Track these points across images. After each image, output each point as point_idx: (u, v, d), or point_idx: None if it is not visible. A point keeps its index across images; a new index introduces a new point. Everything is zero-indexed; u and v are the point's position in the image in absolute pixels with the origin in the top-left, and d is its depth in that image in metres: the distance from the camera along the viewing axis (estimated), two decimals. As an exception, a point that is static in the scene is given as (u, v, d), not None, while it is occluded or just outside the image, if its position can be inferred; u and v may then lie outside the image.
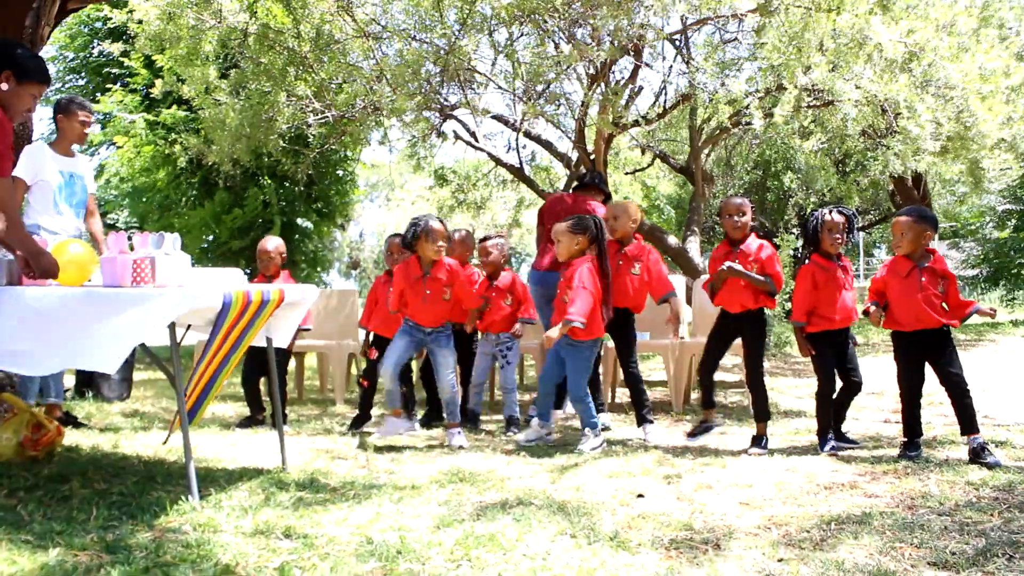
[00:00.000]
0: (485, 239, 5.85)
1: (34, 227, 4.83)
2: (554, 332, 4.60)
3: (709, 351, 4.96)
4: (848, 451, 4.52)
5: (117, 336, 3.13)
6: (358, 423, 5.57)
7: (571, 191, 6.61)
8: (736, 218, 4.77)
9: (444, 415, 5.08)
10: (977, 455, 4.14)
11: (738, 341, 4.94)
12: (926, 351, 4.36)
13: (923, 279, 4.31)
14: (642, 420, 5.11)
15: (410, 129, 8.89)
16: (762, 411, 4.71)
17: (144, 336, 3.20)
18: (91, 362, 3.15)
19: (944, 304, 4.33)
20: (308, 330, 5.83)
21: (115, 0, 9.29)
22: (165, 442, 4.24)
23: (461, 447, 4.76)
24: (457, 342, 5.60)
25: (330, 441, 5.04)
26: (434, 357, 5.00)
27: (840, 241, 4.58)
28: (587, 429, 4.73)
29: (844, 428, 4.80)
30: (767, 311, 4.87)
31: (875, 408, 6.08)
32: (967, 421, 4.25)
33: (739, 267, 4.70)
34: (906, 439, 4.42)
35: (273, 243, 5.70)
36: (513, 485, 3.79)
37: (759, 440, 4.63)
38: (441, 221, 4.94)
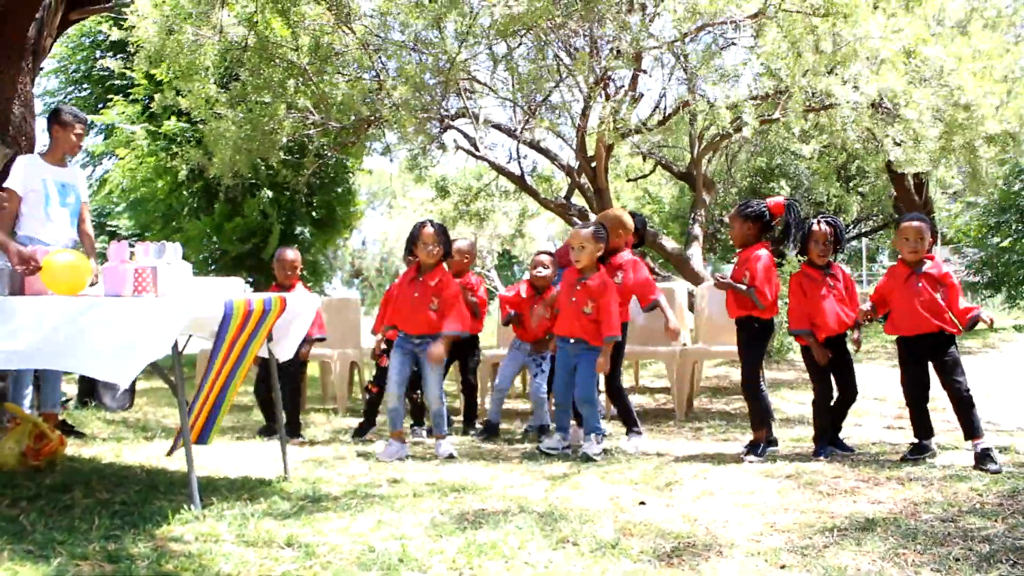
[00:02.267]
0: (539, 253, 5.86)
1: (25, 238, 4.80)
2: (603, 358, 4.67)
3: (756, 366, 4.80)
4: (844, 457, 4.53)
5: (130, 348, 3.14)
6: (362, 432, 5.57)
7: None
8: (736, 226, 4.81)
9: (432, 426, 4.99)
10: (980, 460, 4.14)
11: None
12: (928, 356, 4.37)
13: (920, 284, 4.33)
14: (630, 431, 5.10)
15: (411, 141, 8.91)
16: (759, 419, 4.69)
17: (160, 350, 3.20)
18: (102, 372, 3.16)
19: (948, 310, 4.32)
20: (323, 339, 5.75)
21: (117, 12, 9.32)
22: (169, 454, 4.23)
23: (451, 456, 4.74)
24: (460, 349, 5.63)
25: (332, 450, 5.04)
26: (422, 369, 4.90)
27: (825, 251, 4.61)
28: (592, 435, 4.72)
29: (842, 435, 4.79)
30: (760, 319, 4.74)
31: (877, 414, 6.06)
32: (968, 426, 4.24)
33: (726, 279, 4.69)
34: (916, 440, 4.44)
35: (293, 253, 5.67)
36: (514, 493, 3.79)
37: (755, 447, 4.62)
38: (437, 225, 4.90)
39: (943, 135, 6.66)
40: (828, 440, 4.64)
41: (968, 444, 4.28)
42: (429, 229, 4.83)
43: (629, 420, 5.11)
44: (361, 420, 5.71)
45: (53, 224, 5.01)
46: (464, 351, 5.79)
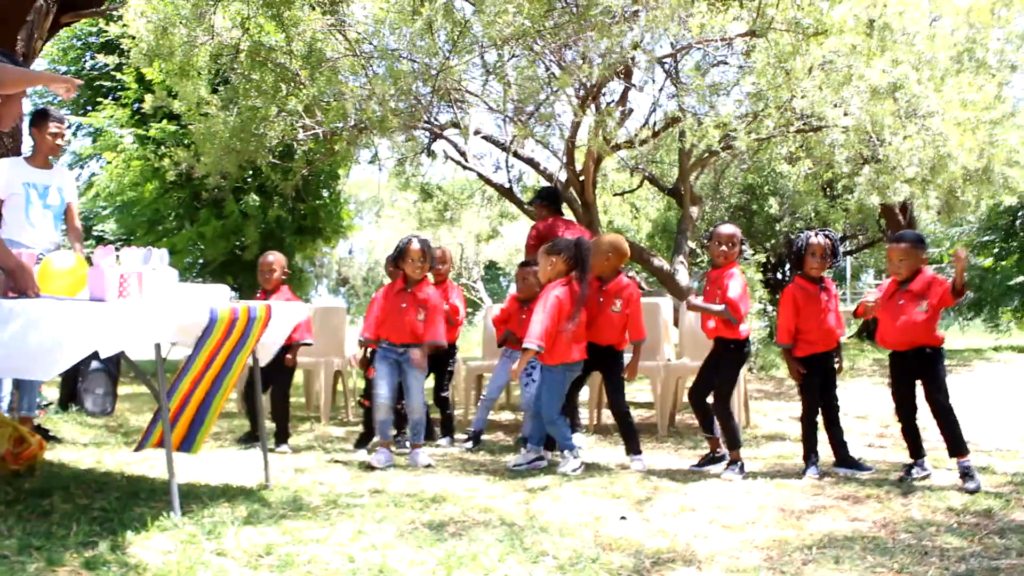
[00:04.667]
0: (525, 264, 5.84)
1: (8, 242, 4.70)
2: (515, 365, 4.61)
3: (705, 378, 4.83)
4: (843, 474, 4.52)
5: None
6: (364, 441, 5.56)
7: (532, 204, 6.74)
8: (725, 248, 4.70)
9: (409, 434, 5.06)
10: (960, 477, 4.17)
11: None
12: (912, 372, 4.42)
13: (901, 301, 4.39)
14: (631, 451, 4.99)
15: (400, 148, 8.93)
16: (733, 439, 4.66)
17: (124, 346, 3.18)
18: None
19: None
20: (310, 344, 5.73)
21: (109, 16, 9.31)
22: (136, 450, 4.03)
23: (428, 466, 4.78)
24: (437, 359, 5.68)
25: (314, 459, 5.02)
26: (405, 378, 5.00)
27: (822, 265, 4.62)
28: (565, 451, 4.70)
29: (822, 454, 4.76)
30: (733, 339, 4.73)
31: (859, 432, 6.09)
32: (951, 443, 4.26)
33: (697, 301, 4.76)
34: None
35: (274, 256, 5.65)
36: (496, 505, 3.79)
37: (734, 464, 4.59)
38: (423, 241, 5.02)
39: (921, 175, 6.73)
40: (841, 459, 4.62)
41: (952, 461, 4.30)
42: (416, 246, 4.98)
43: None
44: (362, 431, 5.70)
45: (34, 228, 4.98)
46: (441, 361, 5.83)
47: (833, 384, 4.70)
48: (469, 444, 5.54)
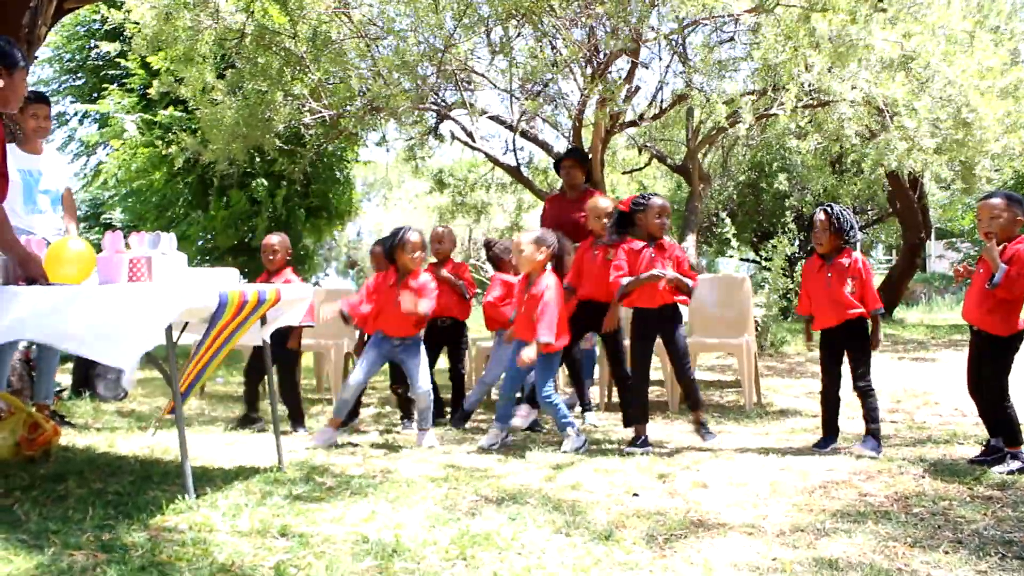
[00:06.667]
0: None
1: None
2: (530, 353, 4.59)
3: (641, 358, 4.84)
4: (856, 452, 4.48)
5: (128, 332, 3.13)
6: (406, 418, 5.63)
7: (559, 165, 6.65)
8: (666, 220, 4.89)
9: (418, 420, 5.01)
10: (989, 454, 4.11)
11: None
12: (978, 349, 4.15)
13: (980, 270, 4.07)
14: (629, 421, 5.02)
15: (407, 130, 8.90)
16: (696, 400, 4.89)
17: (153, 336, 3.20)
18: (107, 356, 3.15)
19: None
20: (312, 326, 5.70)
21: (111, 2, 9.28)
22: (153, 434, 4.20)
23: (431, 447, 4.79)
24: (448, 336, 5.78)
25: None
26: (405, 367, 5.03)
27: (819, 239, 4.55)
28: (568, 429, 4.70)
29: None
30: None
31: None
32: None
33: (672, 274, 4.76)
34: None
35: (277, 237, 5.55)
36: (508, 483, 3.80)
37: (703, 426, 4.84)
38: (419, 233, 5.03)
39: (940, 147, 6.62)
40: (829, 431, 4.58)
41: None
42: (415, 237, 4.95)
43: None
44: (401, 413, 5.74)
45: (34, 215, 4.89)
46: (453, 338, 5.86)
47: (841, 359, 4.56)
48: (457, 421, 5.54)
